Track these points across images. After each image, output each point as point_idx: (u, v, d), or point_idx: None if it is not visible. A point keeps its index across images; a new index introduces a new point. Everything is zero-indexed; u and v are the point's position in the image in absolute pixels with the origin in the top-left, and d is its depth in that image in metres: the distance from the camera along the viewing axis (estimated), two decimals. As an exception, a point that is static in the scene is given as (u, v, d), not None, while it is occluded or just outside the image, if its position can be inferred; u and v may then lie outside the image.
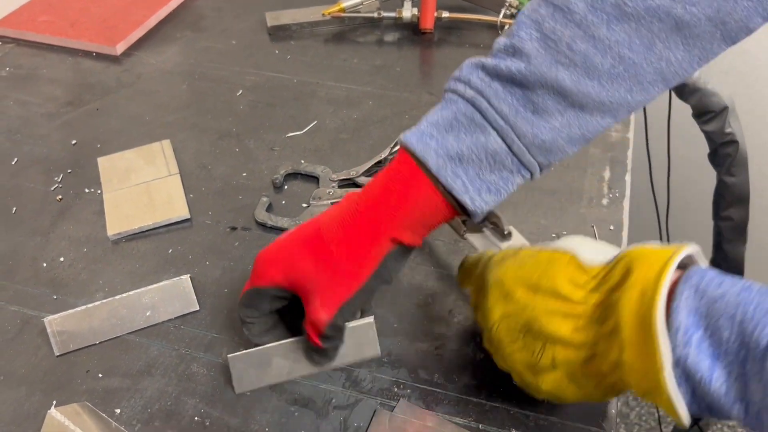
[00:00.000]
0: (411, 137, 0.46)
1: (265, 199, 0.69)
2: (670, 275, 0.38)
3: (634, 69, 0.43)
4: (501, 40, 0.46)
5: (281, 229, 0.67)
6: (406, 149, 0.47)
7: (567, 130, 0.45)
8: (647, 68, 0.43)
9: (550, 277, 0.44)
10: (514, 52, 0.45)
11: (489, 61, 0.46)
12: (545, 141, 0.45)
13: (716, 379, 0.36)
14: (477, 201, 0.46)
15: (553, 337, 0.43)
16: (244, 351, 0.53)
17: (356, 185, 0.72)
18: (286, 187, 0.73)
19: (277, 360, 0.53)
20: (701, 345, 0.36)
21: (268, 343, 0.53)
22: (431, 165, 0.45)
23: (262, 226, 0.68)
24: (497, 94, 0.45)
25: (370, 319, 0.53)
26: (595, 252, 0.44)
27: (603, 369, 0.42)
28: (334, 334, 0.50)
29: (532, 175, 0.47)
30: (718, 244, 1.00)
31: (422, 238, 0.49)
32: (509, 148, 0.45)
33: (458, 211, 0.47)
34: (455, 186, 0.45)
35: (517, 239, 0.55)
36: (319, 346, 0.50)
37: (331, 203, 0.70)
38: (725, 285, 0.37)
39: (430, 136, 0.46)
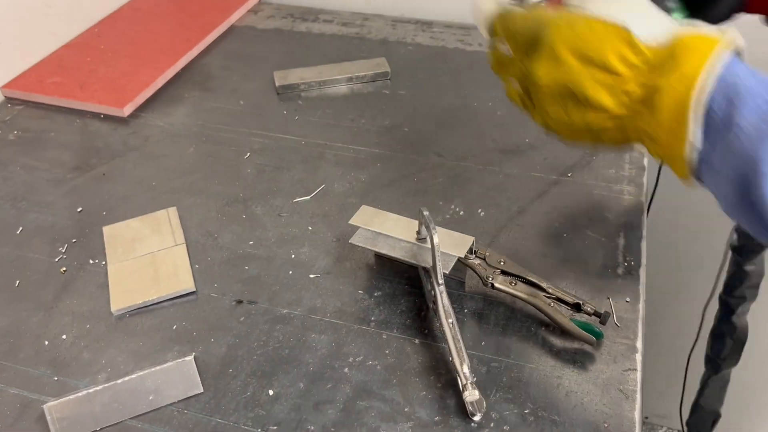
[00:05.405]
0: None
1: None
2: (711, 77, 0.40)
3: None
4: None
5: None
6: None
7: None
8: None
9: (603, 51, 0.44)
10: None
11: None
12: None
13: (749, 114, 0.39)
14: None
15: (595, 106, 0.46)
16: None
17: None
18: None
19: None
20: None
21: None
22: None
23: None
24: None
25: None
26: (649, 22, 0.45)
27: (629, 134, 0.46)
28: None
29: None
30: (726, 315, 0.98)
31: None
32: None
33: None
34: None
35: None
36: None
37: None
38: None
39: None
